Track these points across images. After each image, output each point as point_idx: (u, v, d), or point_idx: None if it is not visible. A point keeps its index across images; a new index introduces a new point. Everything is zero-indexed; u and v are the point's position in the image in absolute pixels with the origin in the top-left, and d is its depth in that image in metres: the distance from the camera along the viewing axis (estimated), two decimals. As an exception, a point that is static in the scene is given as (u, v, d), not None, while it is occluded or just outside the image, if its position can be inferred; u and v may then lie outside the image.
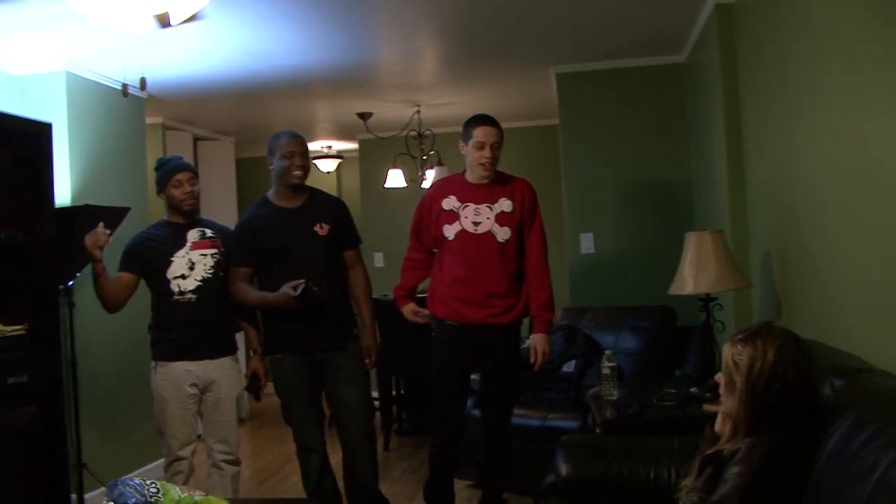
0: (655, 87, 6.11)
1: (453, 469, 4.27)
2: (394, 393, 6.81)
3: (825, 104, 3.14)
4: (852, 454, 1.90)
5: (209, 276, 4.12)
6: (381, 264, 8.45)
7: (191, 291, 4.07)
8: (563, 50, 5.78)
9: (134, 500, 2.90)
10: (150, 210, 6.22)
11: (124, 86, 3.82)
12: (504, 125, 8.89)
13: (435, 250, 4.33)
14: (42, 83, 5.25)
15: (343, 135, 8.85)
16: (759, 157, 4.26)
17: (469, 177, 4.22)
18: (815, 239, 3.38)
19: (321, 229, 4.14)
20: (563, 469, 3.23)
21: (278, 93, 6.52)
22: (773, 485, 2.12)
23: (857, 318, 2.94)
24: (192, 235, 4.16)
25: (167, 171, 4.14)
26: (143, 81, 3.66)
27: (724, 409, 2.33)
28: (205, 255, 4.14)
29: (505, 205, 4.15)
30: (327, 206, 4.27)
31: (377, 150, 8.45)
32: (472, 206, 4.16)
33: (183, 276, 4.08)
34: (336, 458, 4.33)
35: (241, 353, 4.30)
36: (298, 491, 4.78)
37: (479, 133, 4.09)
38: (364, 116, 7.50)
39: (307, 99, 6.95)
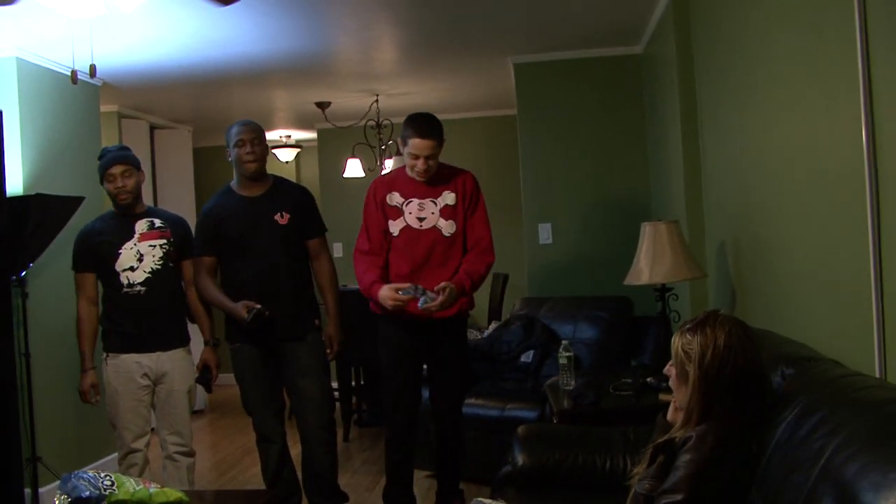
0: (613, 78, 6.15)
1: (410, 470, 4.24)
2: (353, 384, 6.80)
3: (777, 95, 3.17)
4: (800, 441, 1.93)
5: (158, 267, 4.08)
6: (340, 254, 8.40)
7: (140, 284, 4.04)
8: (522, 40, 5.79)
9: (88, 492, 2.88)
10: (105, 200, 6.15)
11: (73, 72, 3.75)
12: (462, 115, 8.91)
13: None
14: (-8, 70, 5.15)
15: (302, 124, 8.80)
16: (714, 148, 4.31)
17: (409, 173, 4.12)
18: (767, 229, 3.42)
19: (281, 218, 4.13)
20: (520, 459, 3.25)
21: (236, 81, 6.47)
22: (723, 471, 2.15)
23: (807, 308, 2.98)
24: (141, 226, 4.11)
25: (102, 164, 4.09)
26: (92, 68, 3.59)
27: (676, 400, 2.35)
28: (153, 245, 4.09)
29: (448, 198, 4.09)
30: (290, 194, 4.25)
31: (336, 139, 8.41)
32: (415, 201, 4.09)
33: (132, 269, 4.04)
34: (297, 451, 4.32)
35: (196, 344, 4.22)
36: (258, 483, 4.77)
37: (414, 146, 3.97)
38: (322, 106, 7.47)
39: (265, 88, 6.90)
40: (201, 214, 4.28)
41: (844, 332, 2.60)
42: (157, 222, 4.15)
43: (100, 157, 4.14)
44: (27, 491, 4.66)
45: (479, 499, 2.65)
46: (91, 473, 2.99)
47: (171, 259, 4.13)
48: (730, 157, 3.99)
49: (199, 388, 4.32)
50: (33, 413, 4.90)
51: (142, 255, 4.06)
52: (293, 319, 4.14)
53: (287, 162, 9.55)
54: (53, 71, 5.41)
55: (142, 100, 7.05)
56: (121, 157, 4.10)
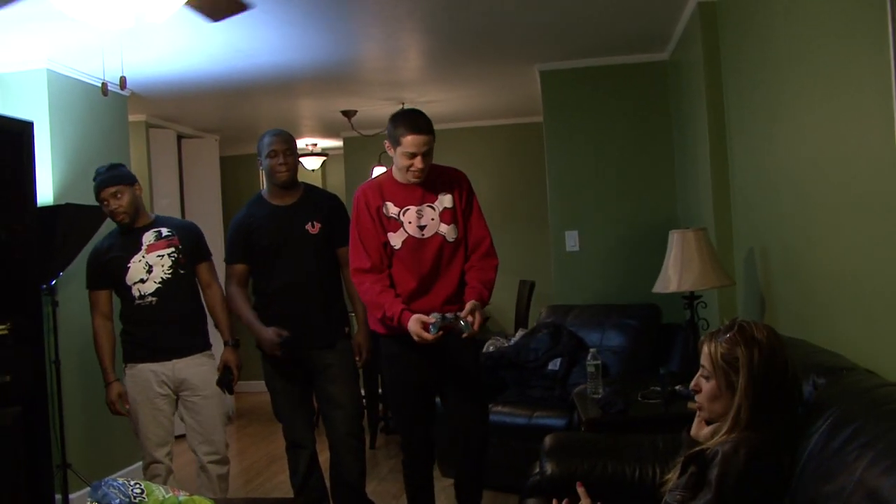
0: (639, 85, 6.13)
1: (430, 489, 3.98)
2: (380, 391, 6.79)
3: (808, 101, 3.15)
4: (833, 452, 1.91)
5: (168, 276, 4.08)
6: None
7: (151, 294, 4.04)
8: (548, 47, 5.78)
9: (118, 500, 2.90)
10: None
11: (104, 84, 3.80)
12: (488, 122, 8.90)
13: None
14: (23, 81, 5.21)
15: (328, 132, 8.83)
16: (742, 155, 4.28)
17: (399, 178, 3.80)
18: (798, 237, 3.39)
19: (312, 227, 4.14)
20: (548, 467, 3.23)
21: (262, 90, 6.50)
22: (754, 485, 2.12)
23: (839, 317, 2.95)
24: (148, 238, 4.11)
25: (94, 188, 4.08)
26: (122, 80, 3.63)
27: (709, 413, 2.31)
28: (161, 255, 4.08)
29: (446, 200, 3.80)
30: (321, 203, 4.26)
31: (362, 147, 8.44)
32: (412, 209, 3.77)
33: (142, 281, 4.04)
34: (325, 457, 4.32)
35: (217, 347, 4.24)
36: (285, 490, 4.78)
37: (409, 143, 3.64)
38: (348, 114, 7.49)
39: (291, 97, 6.94)
40: (233, 223, 4.28)
41: (879, 341, 2.58)
42: (165, 231, 4.15)
43: (93, 179, 4.11)
44: (57, 497, 4.69)
45: None
46: (121, 481, 3.01)
47: (182, 266, 4.12)
48: (758, 165, 3.96)
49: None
50: (63, 420, 4.94)
51: (151, 267, 4.06)
52: (324, 328, 4.16)
53: (313, 170, 9.58)
54: (83, 82, 5.47)
55: (170, 109, 7.11)
56: (109, 179, 4.06)
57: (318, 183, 9.80)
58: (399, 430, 4.04)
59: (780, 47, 3.46)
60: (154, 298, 4.05)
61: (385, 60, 5.96)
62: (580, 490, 2.60)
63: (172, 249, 4.11)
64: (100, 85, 4.22)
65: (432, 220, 3.78)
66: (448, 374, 3.85)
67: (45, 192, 5.07)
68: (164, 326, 4.06)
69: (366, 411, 6.70)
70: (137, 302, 4.05)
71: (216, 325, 4.27)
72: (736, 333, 2.25)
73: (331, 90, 6.71)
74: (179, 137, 7.90)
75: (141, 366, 4.07)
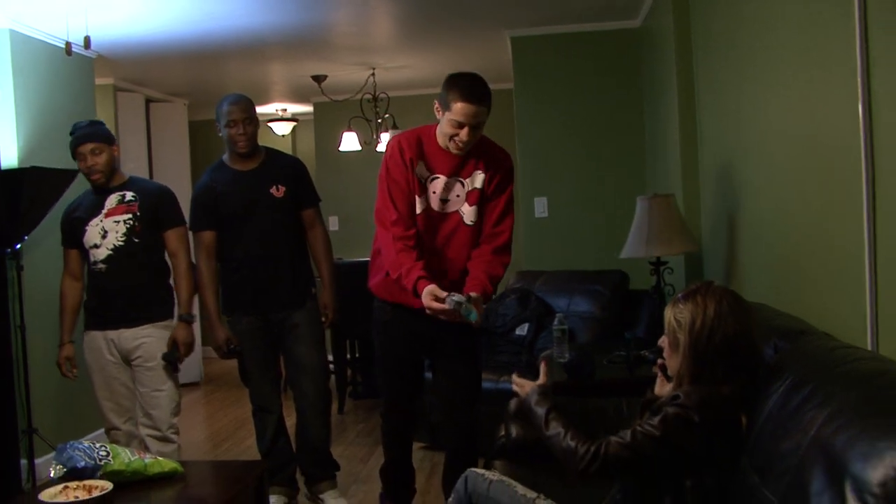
0: (610, 52, 6.13)
1: (408, 444, 3.89)
2: (348, 356, 6.82)
3: (776, 72, 3.16)
4: (791, 412, 1.94)
5: (121, 244, 3.95)
6: (335, 227, 8.43)
7: (101, 261, 3.96)
8: (519, 13, 5.76)
9: (83, 463, 2.91)
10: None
11: (67, 44, 3.72)
12: (459, 89, 8.71)
13: None
14: (-15, 41, 5.12)
15: (298, 98, 8.77)
16: (711, 123, 4.30)
17: (441, 141, 3.45)
18: (762, 204, 3.42)
19: (277, 191, 4.12)
20: (514, 430, 3.27)
21: (232, 54, 6.44)
22: (703, 431, 2.16)
23: (801, 282, 2.99)
24: (110, 202, 3.99)
25: (72, 143, 3.98)
26: (86, 40, 3.56)
27: (669, 368, 2.37)
28: (118, 221, 3.96)
29: (478, 180, 3.47)
30: (284, 166, 4.23)
31: (332, 113, 8.38)
32: (441, 178, 3.45)
33: (96, 246, 3.96)
34: (291, 421, 4.34)
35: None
36: (253, 454, 4.79)
37: (459, 111, 3.28)
38: (319, 79, 7.44)
39: (261, 61, 6.87)
40: (196, 190, 4.23)
41: (837, 305, 2.62)
42: (129, 195, 4.00)
43: (70, 133, 4.01)
44: (23, 462, 4.67)
45: (473, 469, 2.66)
46: (86, 444, 3.02)
47: (137, 234, 3.96)
48: (726, 132, 3.99)
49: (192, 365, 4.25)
50: (29, 385, 4.91)
51: (106, 232, 3.96)
52: (291, 290, 4.16)
53: (283, 135, 9.54)
54: (47, 43, 5.38)
55: (137, 73, 7.03)
56: (90, 134, 3.96)
57: (288, 148, 9.77)
58: (383, 398, 3.88)
59: (750, 17, 3.47)
60: (105, 265, 3.96)
61: (356, 25, 5.92)
62: (543, 367, 2.71)
63: (129, 216, 3.97)
64: (63, 45, 4.14)
65: (458, 196, 3.47)
66: (442, 352, 3.66)
67: (10, 155, 5.00)
68: (112, 295, 3.98)
69: (333, 376, 6.74)
70: (92, 267, 4.01)
71: (177, 296, 4.12)
72: (690, 296, 2.31)
73: (301, 55, 6.65)
74: (148, 101, 7.81)
75: (94, 333, 4.03)
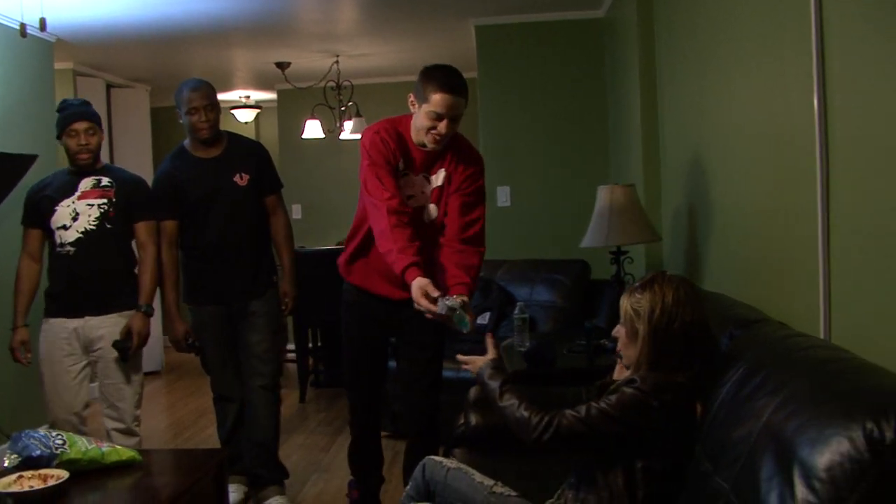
0: (574, 42, 6.14)
1: (377, 436, 3.86)
2: (310, 345, 6.80)
3: (735, 63, 3.19)
4: (744, 399, 1.97)
5: (92, 228, 3.84)
6: (298, 216, 8.38)
7: (70, 244, 3.82)
8: (483, 2, 5.75)
9: (39, 451, 2.88)
10: (61, 158, 6.05)
11: (22, 26, 3.64)
12: (422, 77, 8.69)
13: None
14: (-60, 23, 5.03)
15: (261, 84, 8.71)
16: (672, 114, 4.33)
17: (415, 136, 3.39)
18: (721, 194, 3.46)
19: (241, 179, 4.05)
20: (473, 418, 3.29)
21: (195, 40, 6.38)
22: (659, 414, 2.19)
23: (757, 272, 3.03)
24: (85, 184, 3.88)
25: (63, 118, 3.86)
26: (42, 22, 3.48)
27: (624, 359, 2.38)
28: (91, 205, 3.85)
29: (441, 177, 3.43)
30: (247, 153, 4.16)
31: (295, 100, 8.33)
32: (410, 175, 3.42)
33: (65, 227, 3.83)
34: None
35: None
36: (214, 443, 4.77)
37: (438, 102, 3.21)
38: (282, 66, 7.39)
39: (225, 47, 6.81)
40: (157, 178, 4.15)
41: (793, 295, 2.65)
42: (105, 181, 3.91)
43: (60, 110, 3.92)
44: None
45: (431, 457, 2.67)
46: (42, 432, 2.98)
47: (110, 220, 3.87)
48: (687, 123, 4.02)
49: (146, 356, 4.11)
50: (-15, 373, 4.85)
51: (77, 214, 3.84)
52: (253, 279, 4.12)
53: (246, 122, 9.47)
54: (3, 25, 5.29)
55: (98, 57, 6.93)
56: (86, 112, 3.89)
57: (251, 135, 9.67)
58: (347, 384, 3.84)
59: (710, 9, 3.50)
60: (73, 248, 3.83)
61: (320, 12, 5.89)
62: (489, 341, 2.73)
63: (104, 201, 3.87)
64: (18, 27, 4.06)
65: (423, 193, 3.43)
66: (406, 339, 3.67)
67: (-34, 140, 4.93)
68: (80, 280, 3.84)
69: (295, 365, 6.73)
70: (58, 249, 3.86)
71: (139, 287, 3.97)
72: (647, 285, 2.32)
73: (265, 41, 6.60)
74: (108, 86, 7.71)
75: (53, 321, 3.87)
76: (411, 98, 3.32)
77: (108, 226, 3.87)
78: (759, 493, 1.68)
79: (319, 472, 4.77)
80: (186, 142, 4.13)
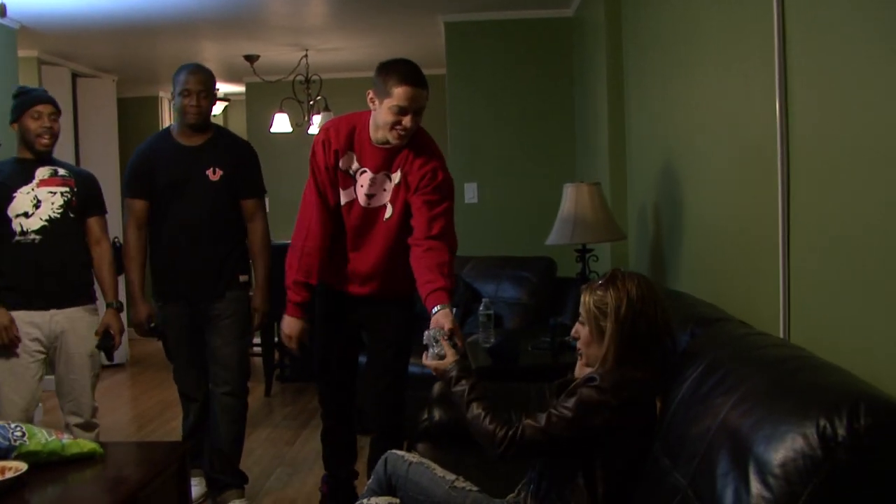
0: (543, 40, 6.16)
1: (348, 430, 3.82)
2: (276, 339, 6.77)
3: (699, 65, 3.23)
4: (702, 397, 2.00)
5: (57, 216, 3.73)
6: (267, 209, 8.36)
7: (34, 232, 3.68)
8: (453, -1, 5.77)
9: (-3, 443, 2.84)
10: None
11: None
12: (392, 73, 8.68)
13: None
14: None
15: (230, 77, 8.66)
16: (638, 114, 4.37)
17: (374, 134, 3.36)
18: (685, 194, 3.50)
19: (213, 174, 3.88)
20: (437, 414, 3.30)
21: (163, 30, 6.32)
22: (619, 413, 2.19)
23: (719, 271, 3.07)
24: (42, 172, 3.75)
25: (26, 100, 3.73)
26: (2, 8, 3.42)
27: (586, 359, 2.39)
28: (53, 192, 3.74)
29: (399, 176, 3.40)
30: (229, 149, 3.98)
31: (264, 93, 8.30)
32: (369, 173, 3.39)
33: (26, 215, 3.68)
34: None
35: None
36: (178, 436, 4.73)
37: (401, 95, 3.19)
38: (251, 59, 7.36)
39: (193, 38, 6.77)
40: (136, 154, 4.02)
41: (754, 294, 2.69)
42: (61, 171, 3.81)
43: (17, 95, 3.79)
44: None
45: (394, 451, 2.68)
46: (1, 423, 2.95)
47: (74, 210, 3.78)
48: (652, 123, 4.06)
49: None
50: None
51: (39, 202, 3.70)
52: (212, 279, 3.93)
53: (214, 115, 9.40)
54: (-33, 12, 5.23)
55: (64, 46, 6.85)
56: (49, 97, 3.80)
57: (219, 128, 9.64)
58: (319, 391, 3.83)
59: (677, 12, 3.53)
60: (38, 237, 3.68)
61: (289, 5, 5.87)
62: (444, 344, 2.69)
63: (66, 189, 3.78)
64: (-21, 13, 3.99)
65: (384, 190, 3.40)
66: (372, 334, 3.67)
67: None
68: (46, 270, 3.70)
69: (260, 359, 6.70)
70: (17, 238, 3.67)
71: (100, 285, 3.92)
72: (608, 283, 2.33)
73: (233, 33, 6.57)
74: (74, 76, 7.63)
75: (14, 314, 3.66)
76: (370, 95, 3.29)
77: (72, 215, 3.78)
78: (714, 489, 1.71)
79: (284, 466, 4.76)
80: (173, 125, 4.01)
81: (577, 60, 5.94)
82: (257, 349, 6.93)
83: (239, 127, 9.49)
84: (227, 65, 7.95)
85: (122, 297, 4.06)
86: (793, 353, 2.01)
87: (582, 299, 2.39)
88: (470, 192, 6.19)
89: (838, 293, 2.11)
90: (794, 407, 1.63)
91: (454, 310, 4.23)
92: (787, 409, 1.64)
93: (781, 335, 2.40)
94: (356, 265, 3.53)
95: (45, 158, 3.80)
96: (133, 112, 8.81)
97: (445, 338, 2.70)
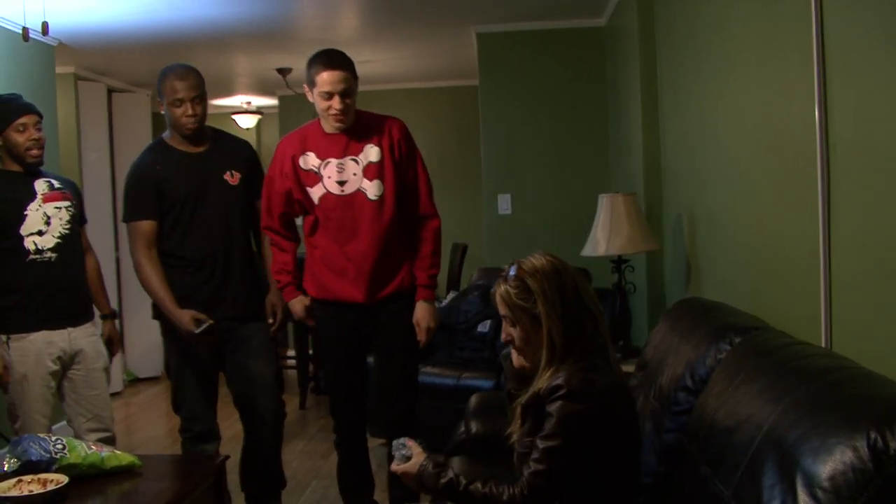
0: (576, 50, 6.15)
1: (364, 457, 3.78)
2: (310, 351, 6.79)
3: (735, 71, 3.20)
4: (744, 405, 1.96)
5: (67, 231, 3.63)
6: (298, 221, 8.39)
7: (50, 249, 3.57)
8: (485, 10, 5.76)
9: (38, 456, 2.87)
10: (63, 160, 6.05)
11: (24, 29, 3.58)
12: (424, 84, 8.84)
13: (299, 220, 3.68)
14: (-59, 26, 5.02)
15: (263, 90, 8.73)
16: (673, 122, 4.33)
17: (325, 126, 3.50)
18: (722, 203, 3.46)
19: (231, 177, 3.66)
20: (473, 426, 3.29)
21: (196, 45, 6.38)
22: (599, 412, 2.15)
23: (758, 281, 3.03)
24: (41, 186, 3.61)
25: (9, 110, 3.55)
26: (44, 26, 3.44)
27: (527, 359, 2.30)
28: (59, 208, 3.62)
29: (372, 153, 3.46)
30: (236, 150, 3.78)
31: (297, 106, 8.31)
32: (333, 161, 3.46)
33: (40, 233, 3.55)
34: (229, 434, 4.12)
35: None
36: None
37: (324, 81, 3.33)
38: (284, 72, 7.41)
39: (226, 52, 6.82)
40: (134, 172, 3.66)
41: (793, 303, 2.65)
42: (56, 183, 3.68)
43: (4, 101, 3.62)
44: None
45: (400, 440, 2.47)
46: (42, 437, 2.97)
47: (77, 223, 3.70)
48: (687, 132, 4.02)
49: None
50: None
51: (49, 218, 3.58)
52: (246, 294, 3.70)
53: (248, 129, 9.48)
54: (5, 28, 5.30)
55: (100, 62, 6.94)
56: (33, 105, 3.63)
57: (252, 141, 9.63)
58: (330, 400, 3.80)
59: (710, 17, 3.50)
60: (54, 255, 3.58)
61: (321, 18, 5.90)
62: (412, 446, 2.39)
63: (69, 204, 3.67)
64: (20, 31, 4.02)
65: (354, 175, 3.46)
66: (377, 346, 3.64)
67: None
68: (62, 289, 3.61)
69: (294, 371, 6.72)
70: (32, 257, 3.54)
71: (94, 295, 3.82)
72: (518, 271, 2.26)
73: (266, 47, 6.61)
74: (110, 91, 7.72)
75: (33, 336, 3.54)
76: (305, 89, 3.47)
77: (76, 230, 3.71)
78: (760, 501, 1.68)
79: (319, 479, 4.76)
80: (166, 134, 3.71)
81: (611, 70, 5.91)
82: (291, 361, 6.96)
83: (272, 140, 9.57)
84: (260, 78, 8.02)
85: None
86: (837, 363, 1.97)
87: (498, 300, 2.30)
88: (503, 204, 6.18)
89: (881, 301, 2.07)
90: (842, 419, 1.60)
91: (489, 321, 4.17)
92: (835, 421, 1.60)
93: (823, 344, 2.36)
94: (347, 260, 3.51)
95: (40, 167, 3.67)
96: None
97: (411, 441, 2.44)
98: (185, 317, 3.54)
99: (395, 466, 2.37)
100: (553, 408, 2.13)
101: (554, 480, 2.14)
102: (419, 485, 2.30)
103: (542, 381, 2.20)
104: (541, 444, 2.13)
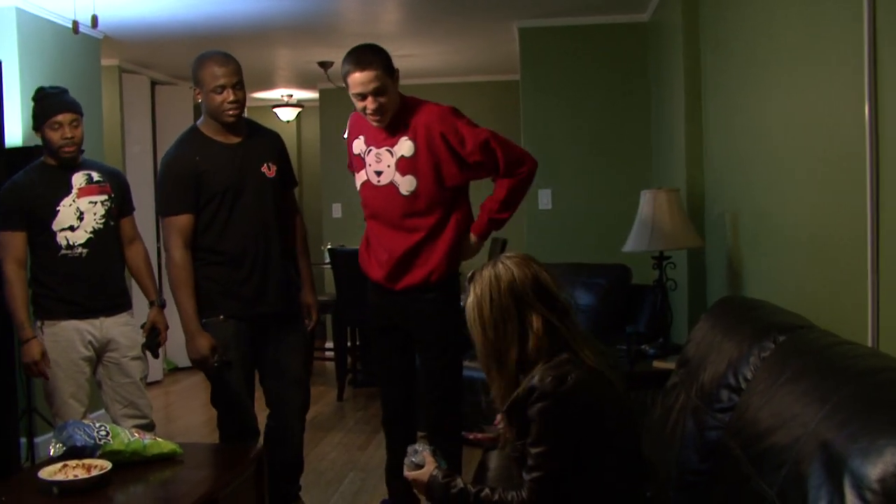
0: (618, 46, 6.11)
1: (405, 442, 3.64)
2: (348, 344, 6.82)
3: (781, 67, 3.16)
4: (789, 404, 1.94)
5: (100, 226, 3.67)
6: (338, 215, 8.44)
7: (81, 245, 3.62)
8: (527, 5, 5.75)
9: (83, 441, 2.91)
10: (107, 152, 6.13)
11: (74, 23, 3.64)
12: (466, 79, 8.82)
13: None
14: (-9, 19, 5.10)
15: (304, 83, 8.77)
16: (716, 118, 4.29)
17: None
18: (766, 200, 3.42)
19: (269, 170, 3.59)
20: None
21: (238, 38, 6.42)
22: (581, 409, 2.14)
23: (803, 279, 2.99)
24: (78, 180, 3.66)
25: (43, 108, 3.59)
26: (94, 19, 3.48)
27: (502, 375, 2.30)
28: (94, 202, 3.65)
29: (405, 147, 3.38)
30: (270, 142, 3.70)
31: (338, 99, 8.34)
32: (374, 150, 3.43)
33: (71, 228, 3.60)
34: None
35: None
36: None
37: (353, 83, 3.28)
38: (325, 65, 7.43)
39: (267, 46, 6.87)
40: (170, 164, 3.55)
41: (839, 303, 2.62)
42: (95, 175, 3.71)
43: (38, 100, 3.65)
44: (23, 441, 4.68)
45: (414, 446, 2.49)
46: (86, 423, 3.01)
47: (113, 217, 3.73)
48: (731, 128, 3.98)
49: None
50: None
51: (82, 213, 3.62)
52: (284, 289, 3.66)
53: (288, 121, 9.53)
54: (54, 22, 5.37)
55: (143, 54, 7.01)
56: (71, 103, 3.64)
57: (293, 134, 9.78)
58: (378, 385, 3.80)
59: (756, 12, 3.46)
60: (85, 250, 3.63)
61: (363, 12, 5.92)
62: (426, 457, 2.40)
63: (105, 197, 3.70)
64: (70, 24, 4.07)
65: (388, 166, 3.40)
66: (414, 338, 3.61)
67: (14, 134, 4.99)
68: (93, 282, 3.66)
69: (333, 364, 6.76)
70: (64, 252, 3.61)
71: (140, 284, 3.89)
72: (468, 286, 2.30)
73: (307, 40, 6.65)
74: (153, 83, 7.80)
75: (63, 323, 3.63)
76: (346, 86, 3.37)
77: (112, 223, 3.74)
78: (806, 501, 1.66)
79: (356, 471, 4.79)
80: (201, 121, 3.60)
81: (653, 65, 5.87)
82: (329, 353, 6.99)
83: (312, 133, 9.62)
84: (300, 71, 8.05)
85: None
86: (885, 363, 1.93)
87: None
88: (544, 199, 6.16)
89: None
90: (891, 420, 1.57)
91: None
92: (885, 422, 1.57)
93: (870, 344, 2.33)
94: (383, 251, 3.52)
95: (76, 164, 3.70)
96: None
97: (426, 446, 2.44)
98: (204, 341, 3.47)
99: (406, 472, 2.40)
100: (532, 411, 2.14)
101: (555, 482, 2.15)
102: (429, 493, 2.33)
103: (524, 386, 2.21)
104: (532, 450, 2.15)
